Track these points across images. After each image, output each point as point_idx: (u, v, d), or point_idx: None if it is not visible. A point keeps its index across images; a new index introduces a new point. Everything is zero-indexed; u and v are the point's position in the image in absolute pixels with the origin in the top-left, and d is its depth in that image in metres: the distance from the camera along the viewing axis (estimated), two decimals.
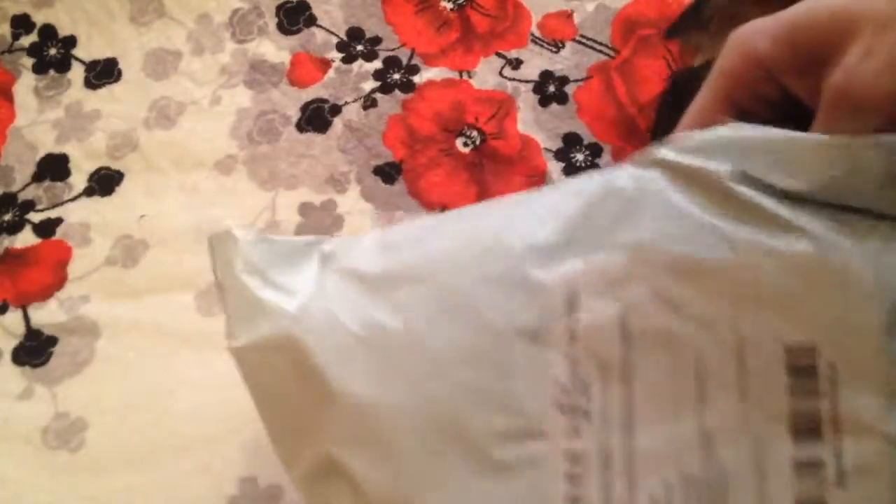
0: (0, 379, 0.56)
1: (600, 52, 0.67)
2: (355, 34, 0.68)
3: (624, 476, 0.28)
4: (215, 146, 0.64)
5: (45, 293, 0.59)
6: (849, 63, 0.29)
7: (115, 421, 0.55)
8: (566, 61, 0.66)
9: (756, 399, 0.28)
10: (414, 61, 0.67)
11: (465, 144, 0.63)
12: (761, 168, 0.29)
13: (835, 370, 0.27)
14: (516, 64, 0.66)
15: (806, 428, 0.27)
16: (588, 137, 0.63)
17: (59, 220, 0.62)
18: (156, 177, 0.63)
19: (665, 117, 0.49)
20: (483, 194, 0.61)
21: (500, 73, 0.66)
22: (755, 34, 0.32)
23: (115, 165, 0.64)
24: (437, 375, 0.31)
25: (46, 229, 0.62)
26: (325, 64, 0.67)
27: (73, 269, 0.60)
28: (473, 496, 0.30)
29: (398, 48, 0.67)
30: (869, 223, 0.28)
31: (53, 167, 0.64)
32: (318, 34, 0.68)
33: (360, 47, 0.68)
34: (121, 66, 0.68)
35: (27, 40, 0.69)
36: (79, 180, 0.64)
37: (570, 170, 0.62)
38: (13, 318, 0.59)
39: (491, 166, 0.62)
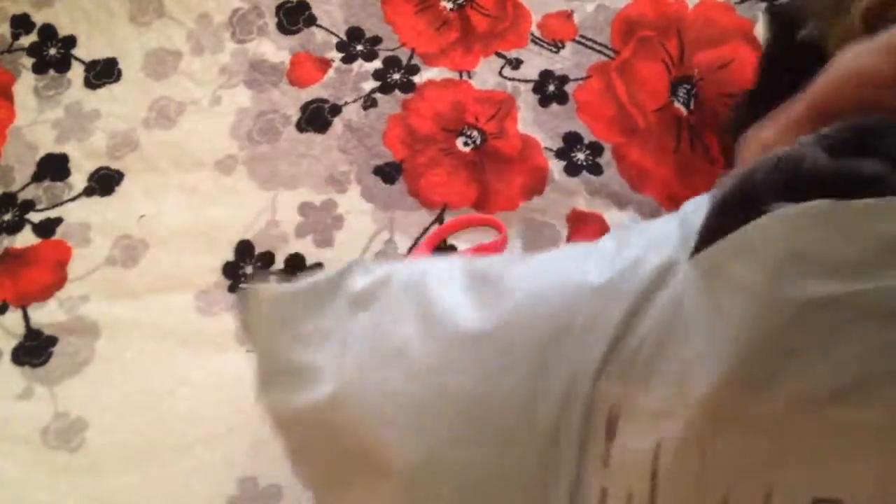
0: (0, 379, 0.56)
1: (600, 52, 0.67)
2: (355, 34, 0.68)
3: None
4: (215, 146, 0.64)
5: (45, 293, 0.59)
6: None
7: (115, 421, 0.55)
8: (566, 61, 0.66)
9: None
10: (414, 61, 0.67)
11: (466, 144, 0.63)
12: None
13: None
14: (516, 64, 0.66)
15: None
16: (588, 136, 0.63)
17: (58, 220, 0.62)
18: (156, 177, 0.63)
19: (745, 114, 0.49)
20: (483, 194, 0.61)
21: (500, 73, 0.66)
22: (861, 54, 0.35)
23: (114, 165, 0.64)
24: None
25: (46, 229, 0.62)
26: (325, 64, 0.67)
27: (73, 268, 0.60)
28: None
29: (398, 48, 0.67)
30: None
31: (53, 167, 0.64)
32: (317, 34, 0.68)
33: (359, 47, 0.68)
34: (120, 65, 0.68)
35: (27, 40, 0.69)
36: (78, 180, 0.63)
37: (571, 169, 0.62)
38: (13, 318, 0.58)
39: (491, 166, 0.62)
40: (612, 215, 0.61)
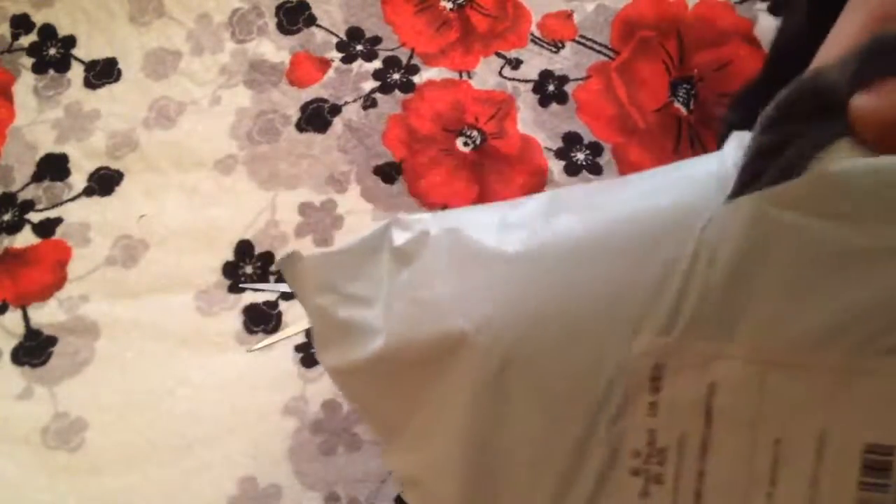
0: None
1: (600, 52, 0.67)
2: (355, 34, 0.68)
3: None
4: (215, 146, 0.64)
5: (45, 293, 0.59)
6: None
7: (115, 421, 0.55)
8: (566, 61, 0.66)
9: (826, 488, 0.28)
10: (414, 61, 0.67)
11: (466, 144, 0.63)
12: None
13: None
14: (516, 64, 0.66)
15: None
16: (588, 136, 0.63)
17: (58, 220, 0.62)
18: (155, 177, 0.63)
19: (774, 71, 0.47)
20: (483, 194, 0.61)
21: (500, 73, 0.66)
22: None
23: (114, 165, 0.64)
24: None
25: (46, 229, 0.62)
26: (325, 64, 0.67)
27: (73, 268, 0.60)
28: None
29: (398, 48, 0.67)
30: None
31: (53, 167, 0.64)
32: (317, 34, 0.68)
33: (359, 47, 0.68)
34: (120, 65, 0.68)
35: (27, 40, 0.69)
36: (78, 180, 0.63)
37: (571, 169, 0.62)
38: (13, 318, 0.58)
39: (491, 166, 0.62)
40: None
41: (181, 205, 0.62)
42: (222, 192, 0.62)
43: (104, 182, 0.63)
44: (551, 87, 0.65)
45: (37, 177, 0.64)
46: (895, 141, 0.28)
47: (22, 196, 0.63)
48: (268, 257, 0.60)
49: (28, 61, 0.68)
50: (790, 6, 0.49)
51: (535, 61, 0.66)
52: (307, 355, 0.56)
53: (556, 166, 0.62)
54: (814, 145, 0.29)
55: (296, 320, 0.57)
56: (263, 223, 0.61)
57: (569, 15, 0.68)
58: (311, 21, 0.69)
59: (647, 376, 0.29)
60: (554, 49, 0.67)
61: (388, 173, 0.62)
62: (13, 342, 0.58)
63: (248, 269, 0.59)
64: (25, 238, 0.61)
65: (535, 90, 0.65)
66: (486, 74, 0.66)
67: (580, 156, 0.62)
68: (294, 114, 0.65)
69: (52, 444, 0.54)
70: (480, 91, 0.65)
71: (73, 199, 0.63)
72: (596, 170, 0.62)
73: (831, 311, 0.27)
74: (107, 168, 0.64)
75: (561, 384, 0.31)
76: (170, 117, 0.65)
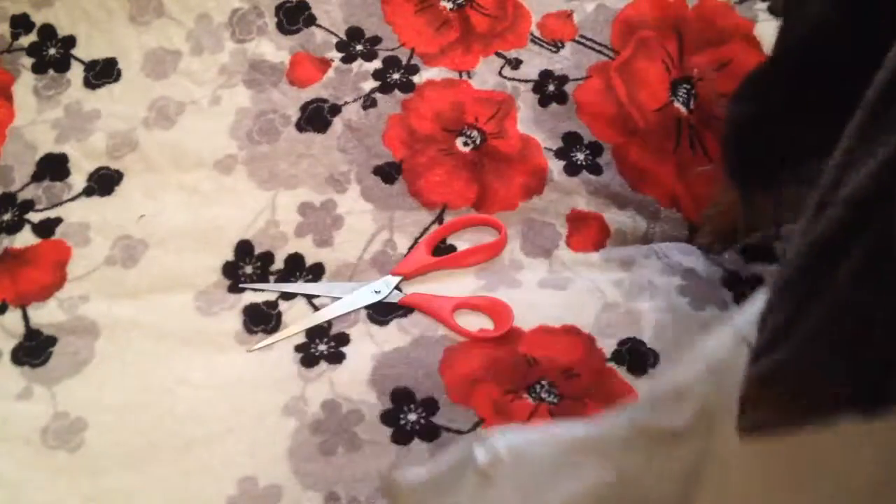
0: None
1: (600, 52, 0.67)
2: (355, 34, 0.68)
3: None
4: (215, 146, 0.64)
5: (45, 293, 0.59)
6: None
7: (115, 421, 0.55)
8: (566, 61, 0.66)
9: None
10: (413, 61, 0.67)
11: (466, 144, 0.63)
12: None
13: None
14: (516, 64, 0.66)
15: None
16: (588, 136, 0.63)
17: (58, 220, 0.62)
18: (155, 176, 0.63)
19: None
20: (483, 194, 0.61)
21: (500, 73, 0.66)
22: None
23: (114, 165, 0.64)
24: None
25: (46, 229, 0.62)
26: (325, 63, 0.67)
27: (73, 268, 0.60)
28: None
29: (398, 48, 0.67)
30: None
31: (53, 167, 0.64)
32: (317, 34, 0.68)
33: (359, 47, 0.68)
34: (120, 65, 0.68)
35: (26, 40, 0.69)
36: (78, 180, 0.63)
37: (571, 168, 0.62)
38: (12, 317, 0.58)
39: (491, 165, 0.62)
40: (611, 215, 0.61)
41: (181, 205, 0.62)
42: (222, 192, 0.62)
43: (104, 182, 0.63)
44: (551, 87, 0.65)
45: (36, 177, 0.64)
46: None
47: (22, 196, 0.63)
48: (268, 257, 0.60)
49: (28, 61, 0.68)
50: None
51: (534, 61, 0.66)
52: (307, 355, 0.56)
53: (555, 166, 0.62)
54: None
55: (296, 320, 0.57)
56: (263, 223, 0.61)
57: (569, 15, 0.68)
58: (311, 21, 0.69)
59: None
60: (554, 49, 0.67)
61: (388, 173, 0.62)
62: (13, 342, 0.57)
63: (248, 269, 0.59)
64: (25, 238, 0.61)
65: (534, 90, 0.65)
66: (485, 74, 0.66)
67: (580, 156, 0.62)
68: (294, 114, 0.65)
69: (52, 443, 0.54)
70: (480, 91, 0.65)
71: (72, 199, 0.63)
72: (596, 170, 0.62)
73: None
74: (106, 168, 0.64)
75: None
76: (169, 117, 0.65)
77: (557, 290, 0.57)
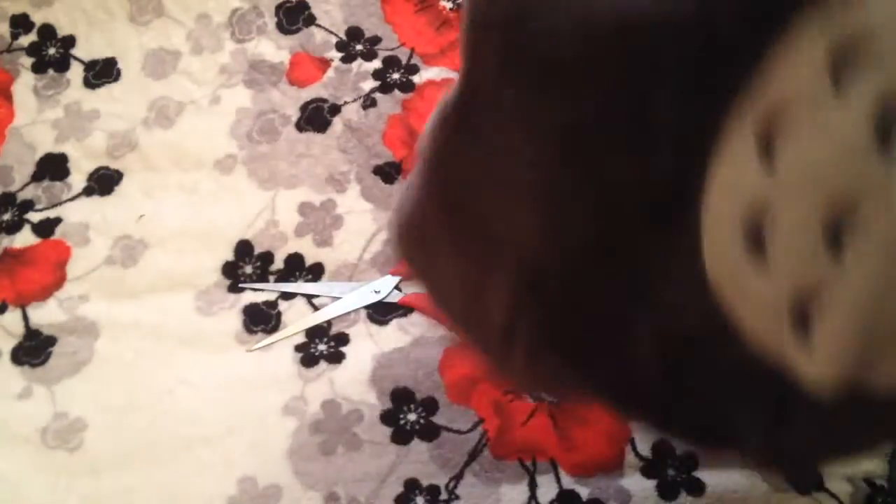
0: None
1: None
2: (355, 34, 0.68)
3: None
4: (215, 146, 0.64)
5: (45, 293, 0.59)
6: None
7: (115, 421, 0.55)
8: None
9: None
10: (413, 61, 0.67)
11: None
12: None
13: None
14: None
15: None
16: None
17: (58, 220, 0.62)
18: (155, 176, 0.63)
19: None
20: None
21: None
22: None
23: (114, 165, 0.64)
24: None
25: (45, 229, 0.62)
26: (325, 63, 0.67)
27: (73, 268, 0.60)
28: None
29: (397, 48, 0.67)
30: None
31: (52, 167, 0.64)
32: (317, 34, 0.68)
33: (359, 47, 0.68)
34: (120, 65, 0.68)
35: (26, 40, 0.69)
36: (78, 180, 0.63)
37: None
38: (12, 317, 0.58)
39: None
40: None
41: (181, 205, 0.62)
42: (222, 191, 0.62)
43: (104, 182, 0.63)
44: None
45: (36, 176, 0.64)
46: None
47: (21, 196, 0.63)
48: (268, 257, 0.60)
49: (27, 61, 0.68)
50: None
51: None
52: (307, 355, 0.56)
53: None
54: None
55: (296, 320, 0.57)
56: (263, 223, 0.61)
57: None
58: (311, 21, 0.69)
59: None
60: None
61: (387, 173, 0.62)
62: (13, 342, 0.57)
63: (248, 269, 0.59)
64: (25, 238, 0.61)
65: None
66: None
67: None
68: (294, 113, 0.65)
69: (51, 443, 0.54)
70: None
71: (72, 199, 0.63)
72: None
73: None
74: (106, 168, 0.64)
75: None
76: (169, 117, 0.65)
77: None
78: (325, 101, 0.65)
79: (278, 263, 0.60)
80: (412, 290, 0.58)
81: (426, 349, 0.56)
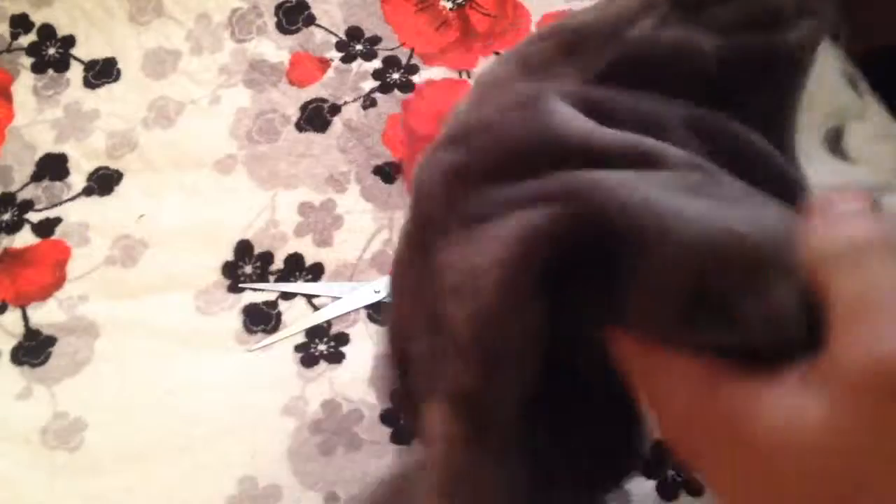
0: None
1: None
2: (354, 33, 0.68)
3: None
4: (214, 146, 0.64)
5: (44, 293, 0.59)
6: None
7: (114, 421, 0.55)
8: None
9: None
10: (413, 61, 0.67)
11: None
12: None
13: None
14: None
15: None
16: None
17: (57, 220, 0.62)
18: (155, 176, 0.63)
19: None
20: None
21: None
22: None
23: (114, 165, 0.64)
24: None
25: (45, 229, 0.62)
26: (325, 63, 0.67)
27: (72, 268, 0.60)
28: None
29: (397, 48, 0.67)
30: None
31: (52, 167, 0.64)
32: (317, 33, 0.68)
33: (359, 47, 0.68)
34: (120, 65, 0.68)
35: (26, 40, 0.69)
36: (78, 180, 0.63)
37: None
38: (12, 317, 0.58)
39: None
40: None
41: (181, 204, 0.62)
42: (222, 191, 0.62)
43: (103, 182, 0.63)
44: None
45: (36, 177, 0.64)
46: None
47: (21, 196, 0.63)
48: (267, 257, 0.60)
49: (27, 61, 0.68)
50: None
51: None
52: (307, 355, 0.56)
53: None
54: None
55: (296, 320, 0.57)
56: (263, 223, 0.61)
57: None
58: (311, 21, 0.69)
59: None
60: None
61: (387, 173, 0.62)
62: (12, 342, 0.57)
63: (248, 269, 0.59)
64: (24, 238, 0.61)
65: None
66: None
67: None
68: (294, 113, 0.65)
69: (51, 443, 0.54)
70: None
71: (72, 199, 0.63)
72: None
73: None
74: (106, 168, 0.64)
75: None
76: (169, 117, 0.65)
77: None
78: (325, 101, 0.65)
79: (278, 263, 0.60)
80: None
81: None
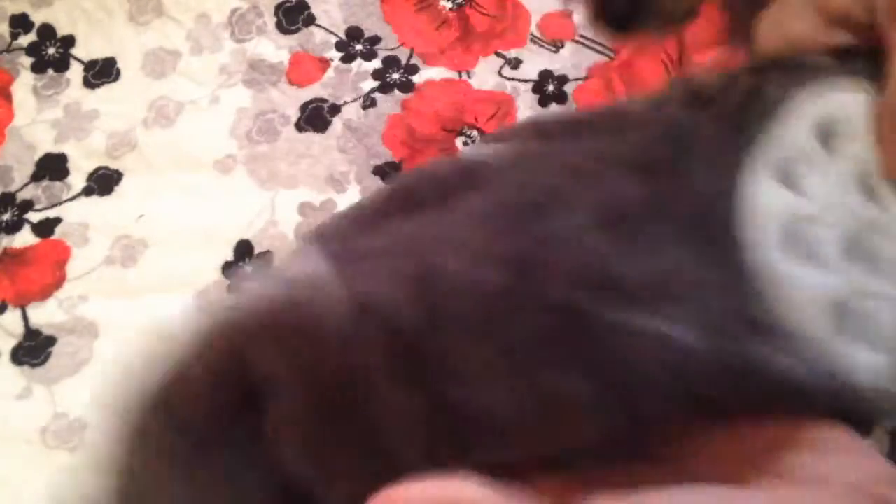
0: None
1: (600, 52, 0.67)
2: (354, 34, 0.68)
3: None
4: (214, 146, 0.64)
5: (44, 293, 0.59)
6: None
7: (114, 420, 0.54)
8: (565, 61, 0.66)
9: None
10: (413, 61, 0.67)
11: (465, 144, 0.63)
12: None
13: None
14: (515, 63, 0.66)
15: None
16: None
17: (57, 220, 0.62)
18: (155, 176, 0.63)
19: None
20: None
21: (500, 73, 0.66)
22: None
23: (113, 165, 0.64)
24: None
25: (45, 229, 0.62)
26: (325, 63, 0.67)
27: (72, 268, 0.60)
28: None
29: (397, 48, 0.67)
30: None
31: (52, 167, 0.64)
32: (317, 33, 0.68)
33: (359, 47, 0.68)
34: (119, 65, 0.68)
35: (26, 40, 0.69)
36: (77, 180, 0.63)
37: None
38: (12, 317, 0.58)
39: None
40: None
41: (180, 205, 0.62)
42: (222, 191, 0.62)
43: (103, 182, 0.63)
44: (551, 87, 0.65)
45: (36, 176, 0.64)
46: None
47: (21, 196, 0.63)
48: (267, 257, 0.60)
49: (27, 61, 0.68)
50: None
51: (534, 61, 0.66)
52: None
53: None
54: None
55: None
56: (263, 223, 0.61)
57: (568, 15, 0.68)
58: (311, 21, 0.69)
59: None
60: (553, 49, 0.67)
61: (387, 173, 0.62)
62: (12, 342, 0.57)
63: (248, 269, 0.59)
64: (24, 238, 0.61)
65: (534, 90, 0.65)
66: (485, 74, 0.66)
67: None
68: (293, 113, 0.65)
69: (51, 443, 0.54)
70: (480, 91, 0.65)
71: (72, 199, 0.63)
72: None
73: None
74: (106, 168, 0.64)
75: None
76: (169, 117, 0.65)
77: None
78: (324, 101, 0.65)
79: (278, 263, 0.60)
80: None
81: None
